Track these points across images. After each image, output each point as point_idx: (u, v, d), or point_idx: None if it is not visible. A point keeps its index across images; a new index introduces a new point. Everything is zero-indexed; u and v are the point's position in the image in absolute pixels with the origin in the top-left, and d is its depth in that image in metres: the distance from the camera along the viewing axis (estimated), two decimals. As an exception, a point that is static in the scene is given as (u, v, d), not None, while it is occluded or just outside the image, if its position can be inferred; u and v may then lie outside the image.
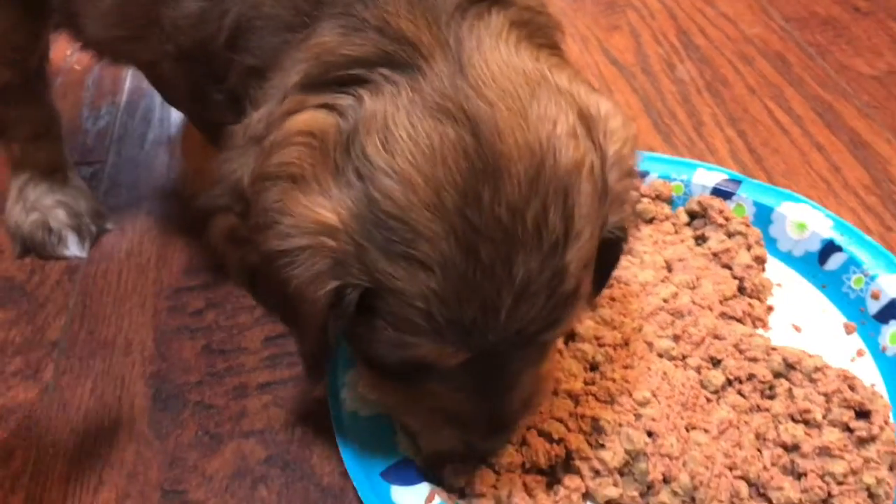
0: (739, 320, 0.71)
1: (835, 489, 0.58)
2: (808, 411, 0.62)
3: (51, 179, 0.87)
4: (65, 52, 1.17)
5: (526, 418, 0.59)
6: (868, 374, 0.68)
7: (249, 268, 0.53)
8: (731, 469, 0.59)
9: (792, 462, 0.60)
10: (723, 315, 0.72)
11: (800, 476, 0.59)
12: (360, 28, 0.48)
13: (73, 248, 0.86)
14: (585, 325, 0.69)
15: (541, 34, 0.52)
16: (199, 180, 0.96)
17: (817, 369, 0.65)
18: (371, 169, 0.46)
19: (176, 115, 1.07)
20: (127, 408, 0.71)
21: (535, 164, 0.46)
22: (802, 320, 0.74)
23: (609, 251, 0.54)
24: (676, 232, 0.82)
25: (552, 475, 0.61)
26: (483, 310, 0.47)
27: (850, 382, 0.64)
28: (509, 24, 0.50)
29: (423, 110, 0.46)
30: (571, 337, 0.69)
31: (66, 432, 0.69)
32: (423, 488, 0.59)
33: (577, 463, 0.60)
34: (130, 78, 1.15)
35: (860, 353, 0.71)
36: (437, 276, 0.45)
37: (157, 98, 1.10)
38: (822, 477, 0.58)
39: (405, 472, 0.60)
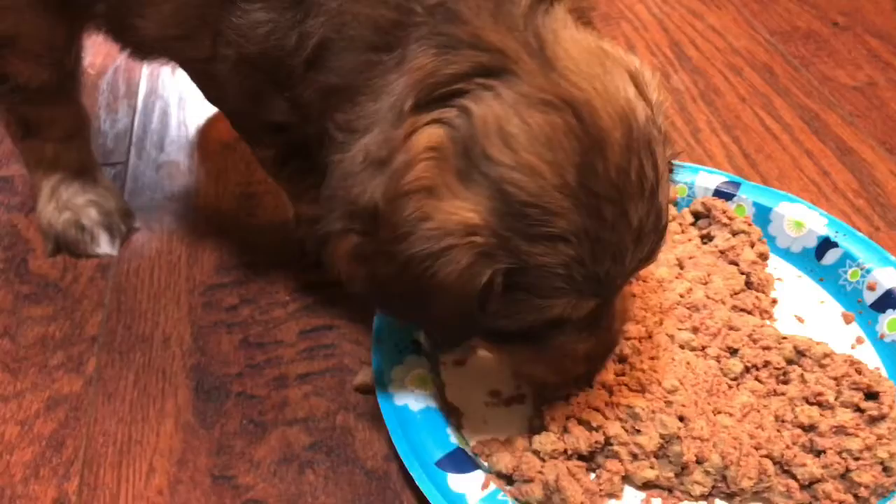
0: (749, 312, 0.77)
1: (852, 464, 0.63)
2: (821, 394, 0.67)
3: (82, 179, 0.89)
4: (77, 56, 1.19)
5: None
6: (868, 359, 0.74)
7: (379, 280, 0.57)
8: (756, 449, 0.64)
9: (811, 441, 0.65)
10: (734, 308, 0.77)
11: (819, 453, 0.64)
12: (454, 46, 0.53)
13: (105, 246, 0.88)
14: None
15: (584, 16, 0.59)
16: (220, 182, 0.99)
17: (826, 355, 0.70)
18: (495, 167, 0.51)
19: (193, 118, 1.10)
20: (171, 399, 0.74)
21: (626, 129, 0.53)
22: (804, 311, 0.80)
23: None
24: (683, 231, 0.87)
25: (592, 460, 0.66)
26: (613, 260, 0.55)
27: (856, 367, 0.69)
28: (566, 13, 0.56)
29: (528, 107, 0.51)
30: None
31: (114, 422, 0.72)
32: (479, 475, 0.62)
33: (616, 448, 0.64)
34: (145, 81, 1.17)
35: (859, 341, 0.77)
36: (574, 244, 0.53)
37: (174, 100, 1.13)
38: (839, 454, 0.63)
39: (459, 461, 0.63)
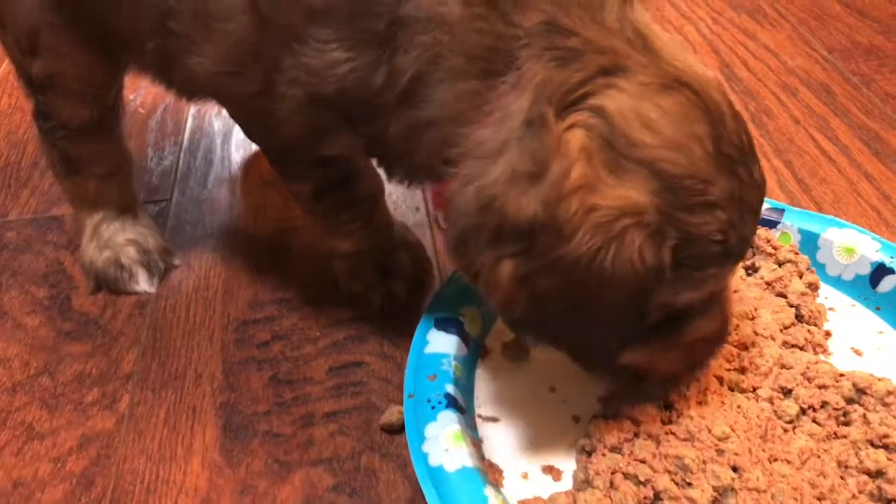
0: (802, 348, 0.72)
1: (928, 514, 0.58)
2: (887, 436, 0.62)
3: (123, 218, 0.91)
4: (128, 98, 1.23)
5: None
6: (936, 395, 0.68)
7: (540, 298, 0.56)
8: (819, 500, 0.59)
9: (879, 489, 0.60)
10: (785, 344, 0.72)
11: (889, 502, 0.59)
12: (573, 56, 0.55)
13: (143, 284, 0.90)
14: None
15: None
16: (259, 217, 1.00)
17: (889, 393, 0.65)
18: (644, 150, 0.53)
19: (237, 155, 1.12)
20: (199, 436, 0.74)
21: (727, 100, 0.57)
22: (861, 343, 0.75)
23: None
24: (727, 263, 0.83)
25: None
26: (753, 217, 0.59)
27: (924, 404, 0.64)
28: (643, 9, 0.59)
29: (653, 93, 0.54)
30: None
31: (143, 460, 0.72)
32: None
33: (667, 503, 0.60)
34: (192, 119, 1.20)
35: (926, 374, 0.71)
36: (727, 208, 0.55)
37: (218, 138, 1.15)
38: (911, 502, 0.58)
39: None
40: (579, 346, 0.62)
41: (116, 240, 0.91)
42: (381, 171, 0.74)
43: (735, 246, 0.57)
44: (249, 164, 1.09)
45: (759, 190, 0.59)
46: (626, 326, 0.58)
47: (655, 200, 0.53)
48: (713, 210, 0.55)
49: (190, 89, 0.80)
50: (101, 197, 0.91)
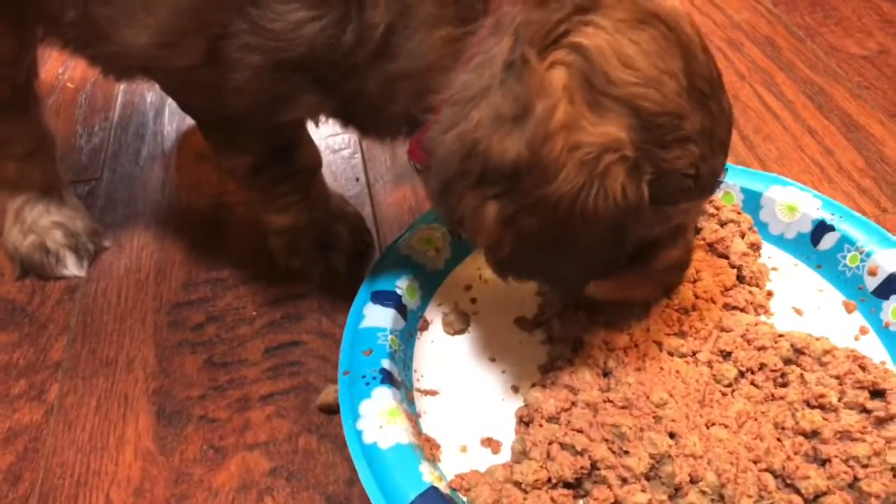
0: (742, 310, 0.71)
1: (860, 472, 0.57)
2: (822, 396, 0.62)
3: (47, 200, 0.87)
4: (56, 71, 1.17)
5: None
6: (874, 351, 0.68)
7: (524, 236, 0.57)
8: (755, 462, 0.59)
9: (814, 449, 0.59)
10: (726, 306, 0.72)
11: (823, 462, 0.59)
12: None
13: (72, 268, 0.86)
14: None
15: None
16: (193, 193, 0.97)
17: (826, 352, 0.65)
18: (622, 88, 0.53)
19: (169, 130, 1.07)
20: (131, 425, 0.71)
21: (697, 32, 0.57)
22: (802, 303, 0.74)
23: None
24: (668, 225, 0.82)
25: (579, 488, 0.60)
26: (723, 151, 0.60)
27: (860, 362, 0.64)
28: None
29: (628, 28, 0.54)
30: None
31: (73, 452, 0.70)
32: None
33: (603, 472, 0.59)
34: (122, 93, 1.15)
35: (863, 331, 0.71)
36: (699, 143, 0.56)
37: (151, 112, 1.11)
38: (845, 461, 0.58)
39: (433, 502, 0.57)
40: (557, 278, 0.63)
41: (41, 223, 0.87)
42: (350, 130, 0.71)
43: (706, 179, 0.59)
44: (183, 138, 1.06)
45: (728, 122, 0.59)
46: (604, 259, 0.60)
47: (633, 136, 0.54)
48: (686, 145, 0.56)
49: (119, 66, 0.74)
50: (21, 179, 0.86)
